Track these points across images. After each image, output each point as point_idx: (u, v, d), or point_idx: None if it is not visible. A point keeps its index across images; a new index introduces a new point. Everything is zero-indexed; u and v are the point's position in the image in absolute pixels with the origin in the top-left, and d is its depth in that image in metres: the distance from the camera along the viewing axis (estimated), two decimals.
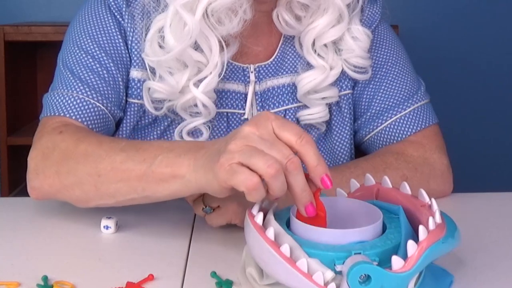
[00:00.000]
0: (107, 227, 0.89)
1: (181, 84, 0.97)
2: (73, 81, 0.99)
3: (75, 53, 1.01)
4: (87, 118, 0.97)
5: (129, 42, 1.02)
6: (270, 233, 0.65)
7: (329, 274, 0.63)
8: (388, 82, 1.08)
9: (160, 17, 0.98)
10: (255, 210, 0.70)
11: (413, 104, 1.08)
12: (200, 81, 0.98)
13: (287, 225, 0.70)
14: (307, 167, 0.68)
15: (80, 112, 0.97)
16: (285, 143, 0.68)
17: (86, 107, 0.97)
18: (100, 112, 0.98)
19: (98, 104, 0.98)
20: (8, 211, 0.98)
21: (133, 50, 1.01)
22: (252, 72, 1.05)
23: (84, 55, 1.01)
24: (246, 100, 1.04)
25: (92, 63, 1.00)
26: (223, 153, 0.68)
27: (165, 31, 0.96)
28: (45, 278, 0.73)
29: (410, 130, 1.07)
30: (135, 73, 1.02)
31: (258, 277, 0.69)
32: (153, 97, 1.00)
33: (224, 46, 0.97)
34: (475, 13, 2.26)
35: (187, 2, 0.93)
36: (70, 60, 1.01)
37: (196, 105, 1.00)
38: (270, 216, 0.70)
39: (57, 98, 0.99)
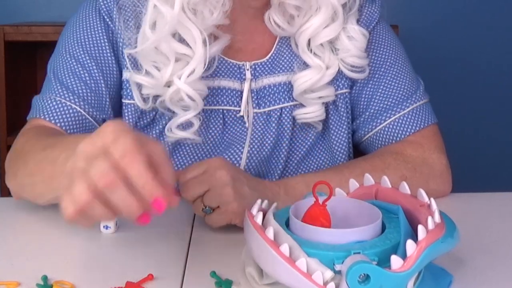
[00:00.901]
0: (106, 227, 0.89)
1: (166, 78, 0.98)
2: (54, 84, 1.02)
3: (62, 57, 1.04)
4: (63, 121, 0.99)
5: (120, 45, 1.02)
6: (270, 232, 0.66)
7: (328, 273, 0.63)
8: (387, 81, 1.08)
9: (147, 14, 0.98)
10: (254, 210, 0.71)
11: (412, 104, 1.08)
12: (190, 73, 0.98)
13: (287, 225, 0.70)
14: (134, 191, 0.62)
15: (56, 115, 0.99)
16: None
17: (64, 110, 0.99)
18: (78, 115, 1.00)
19: (75, 107, 1.00)
20: (8, 211, 0.98)
21: (123, 52, 1.02)
22: (248, 69, 1.05)
23: (69, 58, 1.03)
24: (241, 98, 1.04)
25: (75, 67, 1.02)
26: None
27: (145, 26, 0.97)
28: (44, 278, 0.73)
29: (409, 130, 1.07)
30: (127, 74, 1.03)
31: (257, 276, 0.69)
32: (143, 94, 1.01)
33: (207, 39, 0.97)
34: (475, 13, 2.26)
35: None
36: (56, 64, 1.04)
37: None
38: (270, 216, 0.70)
39: (39, 101, 1.02)
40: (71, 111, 0.99)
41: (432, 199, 0.71)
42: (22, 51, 2.17)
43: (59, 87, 1.01)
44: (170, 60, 0.97)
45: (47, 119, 0.99)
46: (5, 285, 0.73)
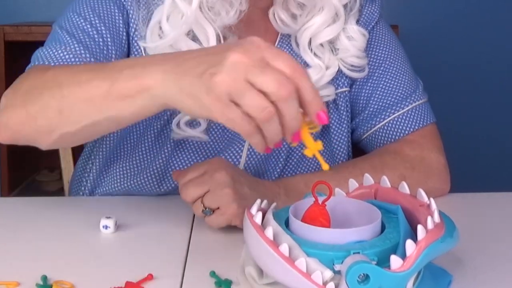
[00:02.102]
0: (106, 227, 0.89)
1: None
2: (68, 39, 0.97)
3: (73, 19, 1.00)
4: None
5: (132, 30, 1.01)
6: (269, 232, 0.66)
7: (328, 273, 0.63)
8: (386, 80, 1.09)
9: (160, 8, 0.98)
10: (254, 209, 0.71)
11: (410, 103, 1.08)
12: None
13: (286, 225, 0.70)
14: (302, 101, 0.65)
15: (68, 63, 0.94)
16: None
17: (78, 61, 0.94)
18: None
19: (86, 60, 0.95)
20: (8, 211, 0.98)
21: (135, 38, 1.01)
22: None
23: (82, 21, 0.99)
24: None
25: (89, 29, 0.99)
26: (209, 87, 0.63)
27: (162, 21, 0.96)
28: (44, 278, 0.73)
29: (407, 129, 1.07)
30: None
31: (257, 276, 0.70)
32: None
33: (222, 38, 0.97)
34: (475, 13, 2.26)
35: None
36: (67, 23, 1.00)
37: None
38: (269, 216, 0.70)
39: (48, 51, 0.96)
40: (81, 63, 0.95)
41: (431, 199, 0.71)
42: (22, 51, 2.17)
43: (74, 42, 0.96)
44: None
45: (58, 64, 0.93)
46: (5, 285, 0.73)
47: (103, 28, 0.99)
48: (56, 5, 2.30)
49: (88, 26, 0.99)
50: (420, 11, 2.23)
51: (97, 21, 0.99)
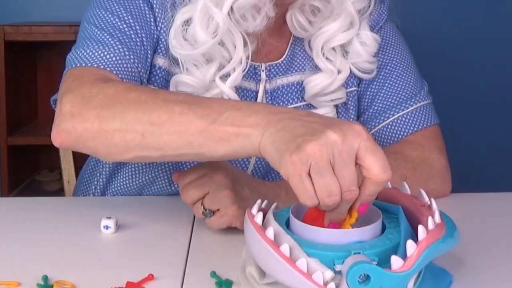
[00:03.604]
0: (107, 227, 0.89)
1: (208, 78, 0.97)
2: (107, 38, 0.94)
3: (106, 17, 0.97)
4: (124, 73, 0.92)
5: (158, 29, 1.00)
6: (270, 232, 0.66)
7: (329, 273, 0.63)
8: (391, 81, 1.09)
9: (185, 9, 0.97)
10: (254, 210, 0.71)
11: (415, 103, 1.08)
12: (224, 76, 0.98)
13: (287, 225, 0.70)
14: (359, 195, 0.66)
15: (117, 66, 0.92)
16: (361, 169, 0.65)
17: (122, 61, 0.93)
18: (134, 70, 0.94)
19: (131, 61, 0.94)
20: (8, 211, 0.98)
21: (161, 37, 1.00)
22: (263, 70, 1.05)
23: (116, 19, 0.97)
24: (256, 98, 1.05)
25: (125, 27, 0.96)
26: (298, 149, 0.64)
27: (194, 25, 0.95)
28: (45, 278, 0.73)
29: (410, 129, 1.07)
30: (158, 60, 1.00)
31: (258, 276, 0.69)
32: (178, 90, 0.99)
33: (248, 42, 0.97)
34: (475, 13, 2.26)
35: None
36: (101, 22, 0.97)
37: None
38: (270, 216, 0.70)
39: (88, 51, 0.93)
40: (129, 65, 0.93)
41: (432, 199, 0.71)
42: (22, 51, 2.18)
43: (110, 40, 0.94)
44: (212, 61, 0.97)
45: (110, 69, 0.91)
46: (5, 285, 0.73)
47: (137, 26, 0.97)
48: (56, 5, 2.30)
49: (123, 24, 0.96)
50: (420, 11, 2.23)
51: (130, 19, 0.97)
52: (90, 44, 0.94)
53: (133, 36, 0.96)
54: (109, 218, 0.89)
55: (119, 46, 0.94)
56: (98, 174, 1.12)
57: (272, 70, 1.06)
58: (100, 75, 0.89)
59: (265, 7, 0.95)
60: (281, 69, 1.07)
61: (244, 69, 0.99)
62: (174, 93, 0.83)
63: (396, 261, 0.63)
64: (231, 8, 0.94)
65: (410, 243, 0.64)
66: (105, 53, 0.93)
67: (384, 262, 0.63)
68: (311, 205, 0.65)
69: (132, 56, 0.94)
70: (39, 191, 2.23)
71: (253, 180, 0.91)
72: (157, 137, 0.76)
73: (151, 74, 1.00)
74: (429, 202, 0.71)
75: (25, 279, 0.73)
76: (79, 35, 0.99)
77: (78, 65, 0.92)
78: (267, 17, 0.96)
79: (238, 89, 1.04)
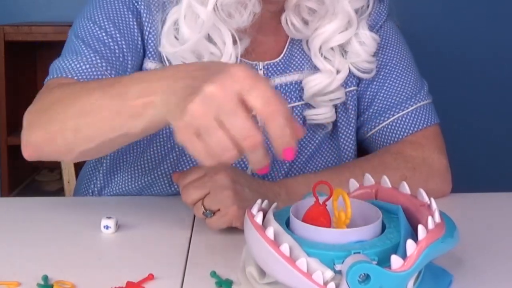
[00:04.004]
0: (107, 227, 0.89)
1: None
2: (84, 49, 0.98)
3: (89, 27, 1.00)
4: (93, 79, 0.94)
5: (146, 33, 1.01)
6: (270, 232, 0.66)
7: (329, 273, 0.63)
8: (391, 80, 1.09)
9: (175, 9, 0.98)
10: (254, 209, 0.71)
11: (415, 103, 1.08)
12: None
13: (287, 225, 0.70)
14: (269, 138, 0.65)
15: (86, 74, 0.95)
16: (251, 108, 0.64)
17: (95, 72, 0.95)
18: (105, 77, 0.96)
19: (102, 69, 0.96)
20: (8, 211, 0.98)
21: (149, 41, 1.01)
22: (261, 69, 1.05)
23: (97, 29, 1.00)
24: None
25: (105, 37, 0.99)
26: (182, 113, 0.64)
27: (180, 23, 0.96)
28: (45, 278, 0.73)
29: (410, 129, 1.07)
30: (149, 65, 1.01)
31: (258, 276, 0.70)
32: None
33: (238, 39, 0.97)
34: (475, 13, 2.26)
35: None
36: (83, 32, 1.00)
37: None
38: (270, 216, 0.70)
39: (65, 62, 0.97)
40: (99, 74, 0.96)
41: (432, 199, 0.71)
42: (22, 51, 2.18)
43: (90, 52, 0.97)
44: (202, 58, 0.97)
45: (76, 78, 0.94)
46: (5, 285, 0.73)
47: (118, 35, 0.99)
48: (56, 5, 2.30)
49: (103, 34, 0.99)
50: (420, 11, 2.23)
51: (112, 28, 0.99)
52: (67, 55, 0.98)
53: (111, 44, 0.98)
54: (109, 218, 0.89)
55: (92, 55, 0.97)
56: (97, 176, 1.12)
57: (270, 69, 1.06)
58: (64, 82, 0.92)
59: (250, 3, 0.95)
60: (279, 68, 1.06)
61: None
62: (96, 81, 0.84)
63: (396, 261, 0.63)
64: (216, 5, 0.94)
65: (410, 243, 0.64)
66: (76, 63, 0.96)
67: (384, 261, 0.64)
68: (212, 164, 0.64)
69: (104, 64, 0.96)
70: (39, 191, 2.23)
71: (253, 180, 0.91)
72: (87, 129, 0.78)
73: None
74: (428, 202, 0.71)
75: (25, 279, 0.73)
76: (65, 46, 1.03)
77: (51, 77, 0.97)
78: (253, 13, 0.96)
79: None
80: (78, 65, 0.96)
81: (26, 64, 2.27)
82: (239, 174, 0.89)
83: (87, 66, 0.96)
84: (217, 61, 0.86)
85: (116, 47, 0.99)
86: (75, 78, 0.94)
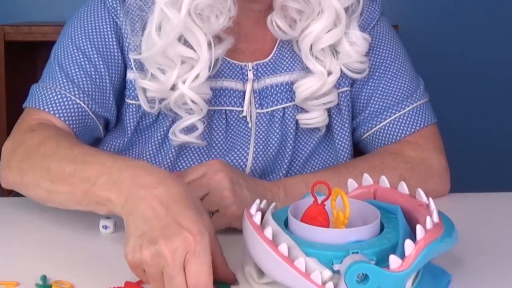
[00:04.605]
0: (105, 227, 0.89)
1: (171, 82, 0.97)
2: (59, 75, 1.00)
3: (67, 47, 1.02)
4: (66, 115, 0.98)
5: (125, 44, 1.02)
6: (268, 232, 0.66)
7: (327, 273, 0.63)
8: (386, 80, 1.08)
9: (152, 18, 0.97)
10: (253, 209, 0.71)
11: (411, 104, 1.08)
12: (195, 78, 0.97)
13: (285, 225, 0.70)
14: None
15: (60, 109, 0.98)
16: None
17: (67, 104, 0.98)
18: (81, 110, 0.99)
19: (79, 102, 0.98)
20: (8, 211, 0.98)
21: (130, 52, 1.01)
22: (250, 70, 1.05)
23: (75, 51, 1.01)
24: (244, 98, 1.04)
25: (82, 60, 1.00)
26: (134, 251, 0.69)
27: (151, 31, 0.96)
28: (44, 278, 0.73)
29: (408, 130, 1.07)
30: (131, 75, 1.02)
31: (256, 276, 0.70)
32: (148, 96, 1.01)
33: (212, 43, 0.96)
34: (475, 13, 2.26)
35: (170, 1, 0.94)
36: (61, 53, 1.02)
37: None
38: (268, 216, 0.70)
39: (42, 91, 1.00)
40: (75, 106, 0.98)
41: (430, 199, 0.71)
42: (22, 51, 2.17)
43: (64, 79, 0.99)
44: (176, 63, 0.97)
45: (52, 112, 0.97)
46: (4, 285, 0.73)
47: (95, 55, 1.01)
48: (56, 5, 2.30)
49: (81, 56, 1.01)
50: (420, 11, 2.23)
51: (89, 48, 1.01)
52: (47, 79, 1.01)
53: (89, 69, 1.01)
54: (107, 218, 0.89)
55: (70, 87, 0.99)
56: None
57: (260, 69, 1.05)
58: (37, 120, 0.97)
59: (225, 7, 0.95)
60: (269, 69, 1.06)
61: (211, 69, 0.98)
62: (73, 148, 0.86)
63: (394, 261, 0.63)
64: (190, 10, 0.94)
65: (408, 243, 0.64)
66: (55, 95, 0.99)
67: (382, 261, 0.64)
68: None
69: (82, 95, 0.99)
70: None
71: (252, 180, 0.91)
72: (56, 195, 0.84)
73: (126, 89, 1.03)
74: (427, 202, 0.71)
75: (24, 279, 0.74)
76: (46, 65, 1.05)
77: (30, 105, 1.00)
78: (228, 16, 0.96)
79: (225, 90, 1.04)
80: (55, 97, 0.98)
81: (26, 64, 2.27)
82: (238, 174, 0.89)
83: (61, 100, 0.98)
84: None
85: (93, 70, 1.00)
86: (51, 113, 0.97)
